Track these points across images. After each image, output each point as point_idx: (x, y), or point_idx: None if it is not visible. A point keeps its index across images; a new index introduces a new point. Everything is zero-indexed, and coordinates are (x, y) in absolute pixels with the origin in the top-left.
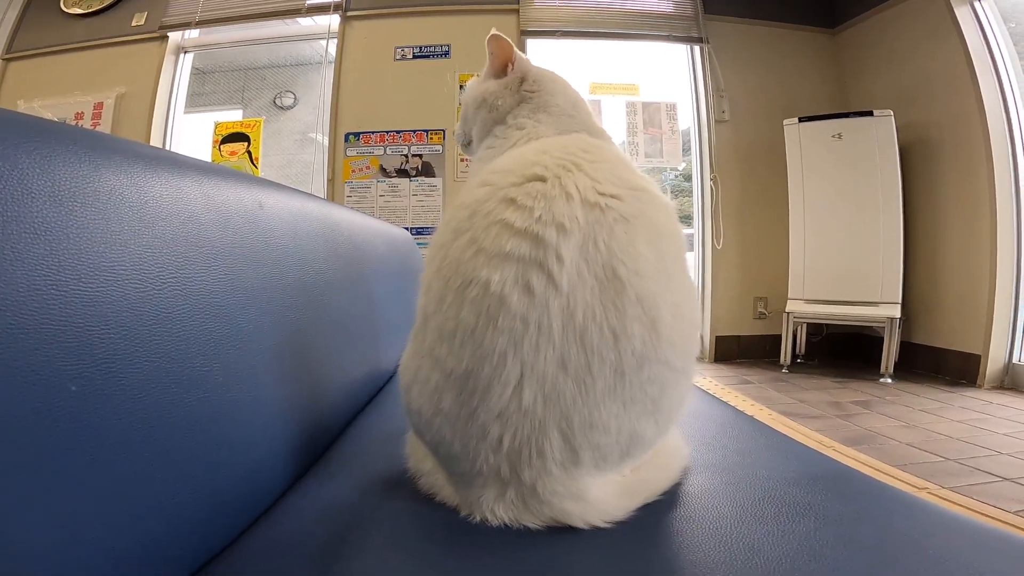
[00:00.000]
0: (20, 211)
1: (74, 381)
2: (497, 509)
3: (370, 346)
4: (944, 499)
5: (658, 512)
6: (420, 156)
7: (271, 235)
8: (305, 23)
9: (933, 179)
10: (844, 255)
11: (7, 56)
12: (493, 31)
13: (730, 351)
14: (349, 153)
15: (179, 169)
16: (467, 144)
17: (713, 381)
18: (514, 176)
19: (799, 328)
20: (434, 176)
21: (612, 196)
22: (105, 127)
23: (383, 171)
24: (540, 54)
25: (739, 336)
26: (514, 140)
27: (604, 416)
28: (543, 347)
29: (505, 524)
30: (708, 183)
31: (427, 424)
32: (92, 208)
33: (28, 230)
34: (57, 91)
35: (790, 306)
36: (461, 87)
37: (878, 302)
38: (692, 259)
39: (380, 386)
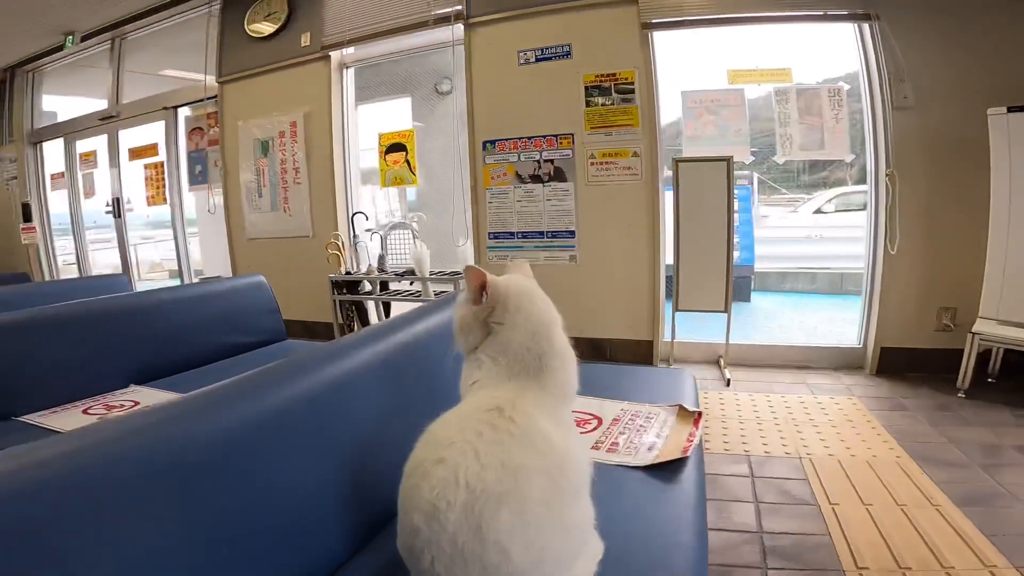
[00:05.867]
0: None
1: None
2: None
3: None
4: None
5: None
6: (551, 161)
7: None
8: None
9: None
10: None
11: (221, 80)
12: (468, 264)
13: (896, 364)
14: (487, 161)
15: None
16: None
17: (859, 400)
18: (434, 449)
19: (996, 351)
20: (565, 180)
21: (492, 480)
22: (300, 144)
23: (518, 177)
24: (666, 46)
25: (911, 348)
26: (472, 380)
27: None
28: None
29: None
30: (883, 179)
31: None
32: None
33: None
34: (260, 111)
35: (978, 325)
36: (587, 88)
37: None
38: (863, 260)
39: None
